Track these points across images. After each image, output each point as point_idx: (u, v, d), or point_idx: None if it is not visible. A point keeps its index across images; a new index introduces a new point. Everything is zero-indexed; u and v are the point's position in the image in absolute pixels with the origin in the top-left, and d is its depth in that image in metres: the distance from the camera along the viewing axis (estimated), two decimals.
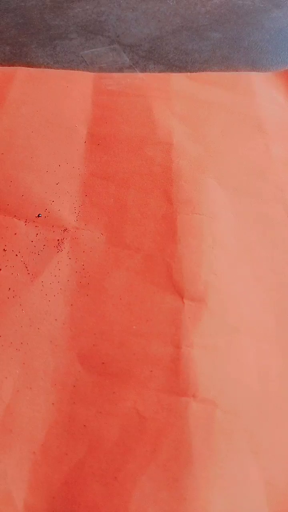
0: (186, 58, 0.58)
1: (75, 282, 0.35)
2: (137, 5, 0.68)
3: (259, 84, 0.54)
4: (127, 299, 0.34)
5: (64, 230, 0.38)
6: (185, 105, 0.50)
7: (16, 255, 0.36)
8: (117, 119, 0.48)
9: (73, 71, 0.55)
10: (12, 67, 0.54)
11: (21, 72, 0.53)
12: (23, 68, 0.54)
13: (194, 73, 0.55)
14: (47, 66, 0.56)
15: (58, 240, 0.37)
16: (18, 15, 0.64)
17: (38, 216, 0.39)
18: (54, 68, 0.55)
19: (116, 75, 0.54)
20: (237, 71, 0.56)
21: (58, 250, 0.37)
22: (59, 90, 0.51)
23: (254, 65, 0.57)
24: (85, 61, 0.57)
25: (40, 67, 0.55)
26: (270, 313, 0.34)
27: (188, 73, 0.55)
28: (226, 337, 0.32)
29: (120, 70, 0.56)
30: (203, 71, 0.56)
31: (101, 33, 0.62)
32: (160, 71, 0.56)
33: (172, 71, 0.56)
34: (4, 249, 0.37)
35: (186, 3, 0.68)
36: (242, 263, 0.37)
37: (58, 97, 0.50)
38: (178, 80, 0.53)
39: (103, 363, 0.31)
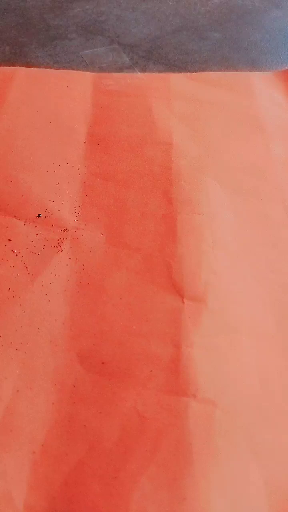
0: (186, 58, 0.58)
1: (75, 282, 0.35)
2: (137, 5, 0.68)
3: (259, 84, 0.54)
4: (127, 299, 0.34)
5: (64, 230, 0.38)
6: (185, 105, 0.50)
7: (16, 255, 0.36)
8: (117, 119, 0.48)
9: (73, 71, 0.55)
10: (12, 67, 0.54)
11: (21, 72, 0.53)
12: (23, 68, 0.54)
13: (194, 73, 0.55)
14: (47, 66, 0.56)
15: (58, 240, 0.37)
16: (18, 15, 0.64)
17: (38, 216, 0.39)
18: (54, 68, 0.55)
19: (116, 75, 0.54)
20: (237, 71, 0.56)
21: (58, 250, 0.37)
22: (59, 90, 0.51)
23: (254, 65, 0.57)
24: (85, 61, 0.57)
25: (40, 67, 0.55)
26: (270, 313, 0.34)
27: (188, 73, 0.55)
28: (226, 337, 0.32)
29: (120, 70, 0.56)
30: (203, 71, 0.56)
31: (101, 33, 0.62)
32: (160, 71, 0.56)
33: (172, 71, 0.56)
34: (4, 249, 0.37)
35: (186, 3, 0.68)
36: (242, 263, 0.37)
37: (58, 97, 0.50)
38: (178, 80, 0.53)
39: (103, 363, 0.31)
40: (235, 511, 0.26)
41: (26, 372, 0.30)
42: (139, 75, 0.54)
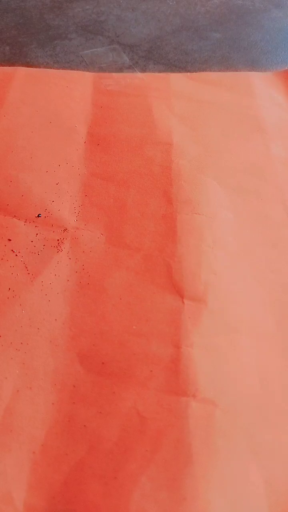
0: (186, 58, 0.58)
1: (75, 282, 0.35)
2: (137, 5, 0.68)
3: (259, 84, 0.54)
4: (127, 299, 0.34)
5: (64, 230, 0.38)
6: (184, 105, 0.50)
7: (16, 255, 0.36)
8: (117, 119, 0.48)
9: (73, 71, 0.55)
10: (12, 67, 0.54)
11: (21, 72, 0.53)
12: (23, 68, 0.54)
13: (194, 73, 0.55)
14: (47, 66, 0.56)
15: (58, 240, 0.37)
16: (18, 15, 0.64)
17: (38, 216, 0.39)
18: (54, 68, 0.55)
19: (116, 75, 0.54)
20: (237, 71, 0.56)
21: (58, 250, 0.37)
22: (59, 90, 0.51)
23: (254, 65, 0.57)
24: (85, 61, 0.57)
25: (40, 67, 0.55)
26: (270, 313, 0.34)
27: (188, 73, 0.55)
28: (226, 337, 0.32)
29: (120, 70, 0.56)
30: (203, 71, 0.56)
31: (101, 33, 0.62)
32: (160, 71, 0.56)
33: (172, 71, 0.56)
34: (4, 249, 0.37)
35: (186, 3, 0.68)
36: (242, 263, 0.37)
37: (58, 97, 0.50)
38: (178, 80, 0.53)
39: (103, 363, 0.31)
40: (235, 511, 0.26)
41: (26, 372, 0.30)
42: (139, 75, 0.54)
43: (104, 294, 0.34)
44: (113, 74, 0.54)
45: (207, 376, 0.30)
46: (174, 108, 0.49)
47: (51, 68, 0.55)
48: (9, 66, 0.55)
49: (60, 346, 0.32)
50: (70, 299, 0.34)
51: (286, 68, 0.57)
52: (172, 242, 0.37)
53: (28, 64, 0.55)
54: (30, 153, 0.44)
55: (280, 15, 0.66)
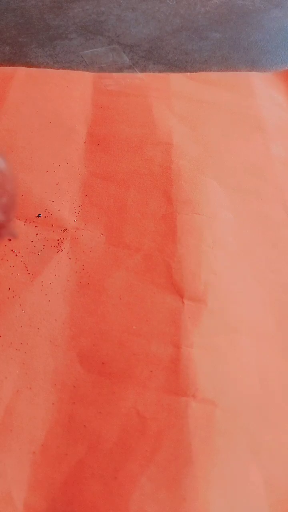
0: (186, 58, 0.58)
1: (75, 282, 0.35)
2: (137, 5, 0.68)
3: (259, 84, 0.54)
4: (127, 299, 0.34)
5: (64, 230, 0.38)
6: (184, 105, 0.50)
7: (16, 255, 0.36)
8: (117, 119, 0.48)
9: (73, 71, 0.55)
10: (12, 67, 0.54)
11: (21, 72, 0.53)
12: (23, 68, 0.54)
13: (194, 73, 0.55)
14: (47, 66, 0.56)
15: (58, 240, 0.37)
16: (18, 15, 0.64)
17: (38, 216, 0.39)
18: (54, 68, 0.55)
19: (115, 75, 0.54)
20: (237, 71, 0.56)
21: (58, 250, 0.37)
22: (59, 90, 0.51)
23: (254, 65, 0.57)
24: (85, 61, 0.57)
25: (40, 67, 0.55)
26: (270, 313, 0.34)
27: (188, 73, 0.55)
28: (226, 337, 0.32)
29: (120, 70, 0.56)
30: (203, 71, 0.56)
31: (101, 33, 0.62)
32: (160, 71, 0.56)
33: (172, 71, 0.56)
34: (4, 249, 0.37)
35: (186, 3, 0.68)
36: (242, 263, 0.37)
37: (58, 97, 0.50)
38: (178, 80, 0.53)
39: (103, 363, 0.31)
40: (235, 511, 0.26)
41: (26, 372, 0.30)
42: (139, 75, 0.54)
43: (104, 294, 0.34)
44: (113, 74, 0.54)
45: (207, 376, 0.30)
46: (174, 108, 0.49)
47: (51, 68, 0.55)
48: (9, 66, 0.55)
49: (60, 346, 0.32)
50: (70, 299, 0.34)
51: (286, 68, 0.57)
52: (172, 242, 0.37)
53: (28, 64, 0.55)
54: (30, 153, 0.44)
55: (280, 15, 0.66)
